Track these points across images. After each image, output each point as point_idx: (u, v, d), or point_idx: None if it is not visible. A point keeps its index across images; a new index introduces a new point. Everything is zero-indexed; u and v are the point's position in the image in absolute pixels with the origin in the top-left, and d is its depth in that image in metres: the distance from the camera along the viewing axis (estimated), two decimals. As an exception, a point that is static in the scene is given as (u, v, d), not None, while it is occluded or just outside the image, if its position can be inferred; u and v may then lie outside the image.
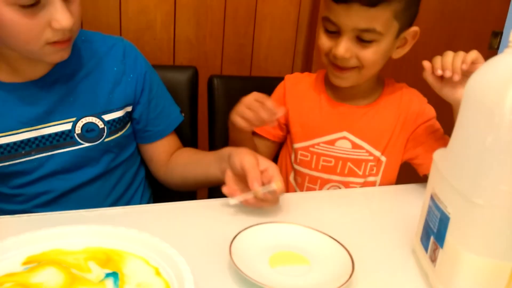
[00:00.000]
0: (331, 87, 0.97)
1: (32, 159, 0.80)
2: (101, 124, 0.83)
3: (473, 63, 0.78)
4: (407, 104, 0.95)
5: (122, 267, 0.57)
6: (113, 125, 0.86)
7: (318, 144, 0.96)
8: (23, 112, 0.78)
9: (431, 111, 0.96)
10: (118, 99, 0.86)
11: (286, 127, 1.01)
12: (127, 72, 0.87)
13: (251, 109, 0.80)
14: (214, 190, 0.92)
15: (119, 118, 0.86)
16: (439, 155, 0.63)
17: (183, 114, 0.98)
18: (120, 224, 0.64)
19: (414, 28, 0.88)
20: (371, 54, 0.85)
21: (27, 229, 0.60)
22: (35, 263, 0.56)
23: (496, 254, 0.52)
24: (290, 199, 0.84)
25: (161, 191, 1.02)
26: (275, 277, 0.60)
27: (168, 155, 0.95)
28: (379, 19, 0.81)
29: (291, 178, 1.01)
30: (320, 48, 0.89)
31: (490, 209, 0.51)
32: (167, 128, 0.94)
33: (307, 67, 1.61)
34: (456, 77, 0.79)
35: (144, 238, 0.61)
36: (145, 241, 0.61)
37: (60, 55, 0.74)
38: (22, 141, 0.79)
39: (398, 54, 0.91)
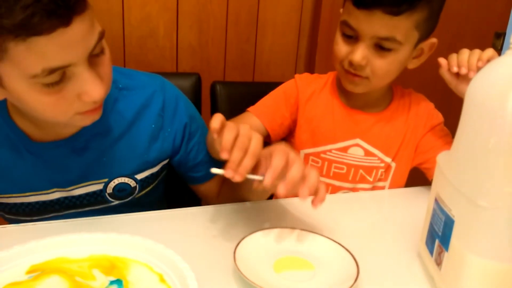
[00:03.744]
0: (343, 93, 0.95)
1: (61, 215, 0.79)
2: (133, 184, 0.79)
3: (489, 61, 0.77)
4: (416, 110, 0.95)
5: (126, 274, 0.57)
6: (146, 182, 0.81)
7: (330, 150, 0.94)
8: (54, 174, 0.75)
9: (439, 116, 0.96)
10: (154, 157, 0.80)
11: (289, 131, 0.99)
12: (165, 126, 0.80)
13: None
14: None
15: (152, 174, 0.81)
16: (443, 158, 0.62)
17: None
18: (124, 231, 0.64)
19: (432, 40, 0.86)
20: (386, 64, 0.83)
21: (32, 237, 0.61)
22: (39, 271, 0.56)
23: (501, 257, 0.52)
24: (294, 203, 0.83)
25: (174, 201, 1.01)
26: (280, 283, 0.60)
27: (220, 188, 0.90)
28: (401, 28, 0.79)
29: None
30: (335, 55, 0.86)
31: (495, 211, 0.50)
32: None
33: (309, 72, 1.60)
34: (472, 74, 0.79)
35: (148, 244, 0.61)
36: (149, 248, 0.61)
37: (91, 118, 0.67)
38: (51, 201, 0.77)
39: (413, 64, 0.89)
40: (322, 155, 0.95)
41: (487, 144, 0.51)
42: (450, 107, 0.91)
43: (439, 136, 0.94)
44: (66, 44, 0.55)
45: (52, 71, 0.56)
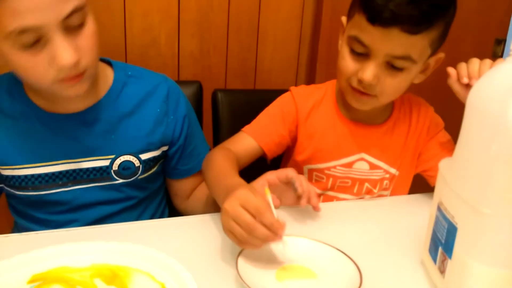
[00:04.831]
0: (344, 106, 0.91)
1: (67, 191, 0.81)
2: (137, 163, 0.84)
3: None
4: (417, 116, 0.93)
5: (128, 284, 0.57)
6: (148, 164, 0.86)
7: (334, 167, 0.91)
8: (65, 144, 0.79)
9: (439, 121, 0.95)
10: (157, 139, 0.86)
11: (287, 148, 0.95)
12: (169, 113, 0.87)
13: (241, 227, 0.60)
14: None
15: (154, 157, 0.87)
16: (445, 165, 0.62)
17: None
18: (126, 240, 0.64)
19: (440, 55, 0.83)
20: (396, 83, 0.79)
21: (34, 246, 0.61)
22: (40, 281, 0.56)
23: (505, 264, 0.52)
24: (295, 211, 0.83)
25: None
26: (282, 291, 0.60)
27: (192, 190, 0.96)
28: (417, 47, 0.75)
29: None
30: (342, 71, 0.81)
31: (498, 218, 0.50)
32: (195, 167, 0.93)
33: (310, 80, 1.61)
34: None
35: (150, 253, 0.61)
36: (151, 257, 0.61)
37: (74, 90, 0.71)
38: (60, 172, 0.80)
39: (419, 79, 0.85)
40: (327, 172, 0.92)
41: (489, 151, 0.51)
42: (451, 114, 0.90)
43: (442, 143, 0.93)
44: (38, 4, 0.61)
45: (24, 30, 0.62)
